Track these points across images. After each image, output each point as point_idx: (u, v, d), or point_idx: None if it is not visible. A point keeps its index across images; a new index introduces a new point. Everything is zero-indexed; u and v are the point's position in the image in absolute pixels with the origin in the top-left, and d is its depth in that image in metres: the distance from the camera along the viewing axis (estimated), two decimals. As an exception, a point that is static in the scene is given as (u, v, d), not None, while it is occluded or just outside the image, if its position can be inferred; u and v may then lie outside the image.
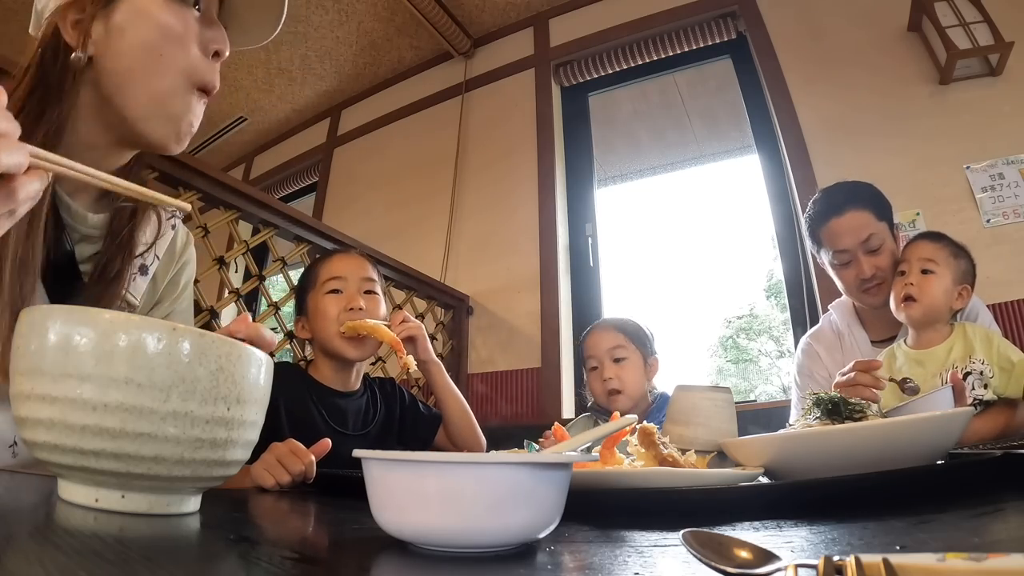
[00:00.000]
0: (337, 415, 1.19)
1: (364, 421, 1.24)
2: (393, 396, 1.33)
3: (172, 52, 0.67)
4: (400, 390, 1.36)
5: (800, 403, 1.44)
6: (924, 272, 1.20)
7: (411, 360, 1.17)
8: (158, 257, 0.80)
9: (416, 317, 2.48)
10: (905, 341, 1.26)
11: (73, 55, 0.66)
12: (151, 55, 0.66)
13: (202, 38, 0.69)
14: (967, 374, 1.13)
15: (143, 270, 0.77)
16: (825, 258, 1.40)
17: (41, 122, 0.64)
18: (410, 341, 1.24)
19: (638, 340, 1.52)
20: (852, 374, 1.03)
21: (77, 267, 0.71)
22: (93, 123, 0.69)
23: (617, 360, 1.49)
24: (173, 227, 0.84)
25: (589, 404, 1.67)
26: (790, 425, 1.37)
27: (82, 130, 0.69)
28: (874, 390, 1.00)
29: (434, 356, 1.28)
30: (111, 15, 0.66)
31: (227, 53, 0.72)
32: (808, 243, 1.47)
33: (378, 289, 1.25)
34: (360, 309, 1.18)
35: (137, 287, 0.77)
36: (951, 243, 1.25)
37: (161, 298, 0.84)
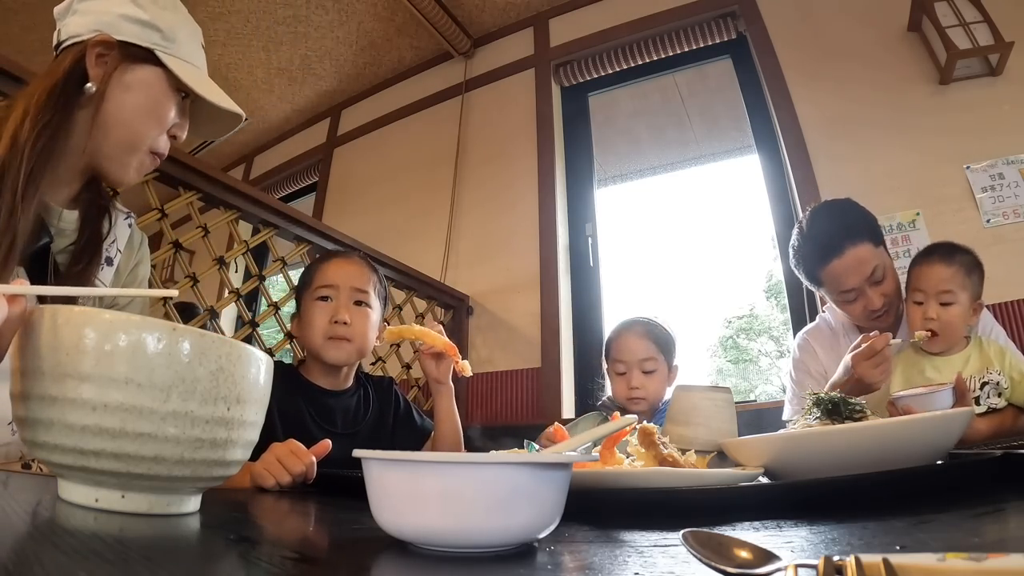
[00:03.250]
0: (325, 414, 1.19)
1: (354, 420, 1.24)
2: (388, 398, 1.32)
3: (151, 122, 0.85)
4: (396, 394, 1.34)
5: (795, 399, 1.43)
6: (944, 304, 1.17)
7: (467, 364, 1.14)
8: (120, 251, 0.92)
9: (416, 317, 2.48)
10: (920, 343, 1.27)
11: (88, 84, 0.80)
12: (139, 118, 0.84)
13: (172, 122, 0.88)
14: (984, 383, 1.15)
15: (109, 261, 0.89)
16: (827, 295, 1.36)
17: (48, 131, 0.75)
18: (438, 357, 1.21)
19: (665, 350, 1.53)
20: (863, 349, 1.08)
21: (54, 258, 0.81)
22: (75, 143, 0.81)
23: (646, 372, 1.49)
24: (129, 225, 0.96)
25: (599, 403, 1.67)
26: (786, 422, 1.38)
27: (66, 147, 0.80)
28: (884, 371, 1.07)
29: (450, 381, 1.26)
30: (127, 72, 0.82)
31: (183, 139, 0.91)
32: (802, 279, 1.41)
33: (371, 301, 1.23)
34: (344, 323, 1.16)
35: (105, 275, 0.88)
36: (963, 259, 1.20)
37: (124, 286, 0.95)
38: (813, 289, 1.44)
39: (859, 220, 1.31)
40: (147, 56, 0.83)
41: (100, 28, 0.81)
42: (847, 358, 1.14)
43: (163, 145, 0.88)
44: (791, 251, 1.40)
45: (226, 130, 0.96)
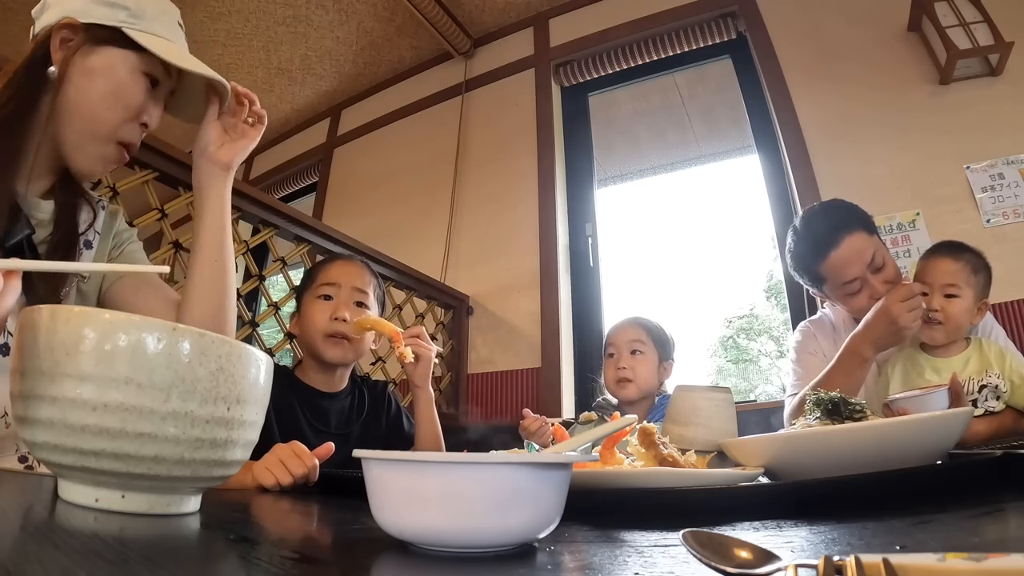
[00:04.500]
0: (319, 415, 1.20)
1: (347, 421, 1.25)
2: (382, 402, 1.33)
3: (116, 109, 0.80)
4: (390, 398, 1.36)
5: (796, 377, 1.41)
6: (948, 296, 1.19)
7: (408, 351, 1.16)
8: (98, 232, 0.91)
9: (416, 317, 2.48)
10: (921, 346, 1.27)
11: (50, 68, 0.77)
12: (101, 102, 0.79)
13: (142, 108, 0.83)
14: (983, 387, 1.15)
15: (87, 244, 0.88)
16: (830, 292, 1.35)
17: (4, 110, 0.74)
18: (415, 360, 1.22)
19: (658, 340, 1.59)
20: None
21: (36, 248, 0.80)
22: (46, 130, 0.79)
23: (634, 352, 1.56)
24: (103, 208, 0.94)
25: (593, 404, 1.69)
26: (790, 396, 1.38)
27: (37, 133, 0.78)
28: (917, 316, 1.10)
29: (429, 387, 1.27)
30: (90, 55, 0.78)
31: (154, 127, 0.86)
32: (803, 281, 1.41)
33: (370, 302, 1.25)
34: (344, 320, 1.18)
35: (85, 259, 0.87)
36: (971, 257, 1.22)
37: (111, 261, 0.94)
38: (814, 291, 1.42)
39: (850, 214, 1.32)
40: (112, 37, 0.79)
41: (69, 15, 0.78)
42: (880, 303, 1.15)
43: (133, 135, 0.83)
44: (788, 256, 1.40)
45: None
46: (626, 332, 1.60)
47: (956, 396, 1.03)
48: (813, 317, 1.53)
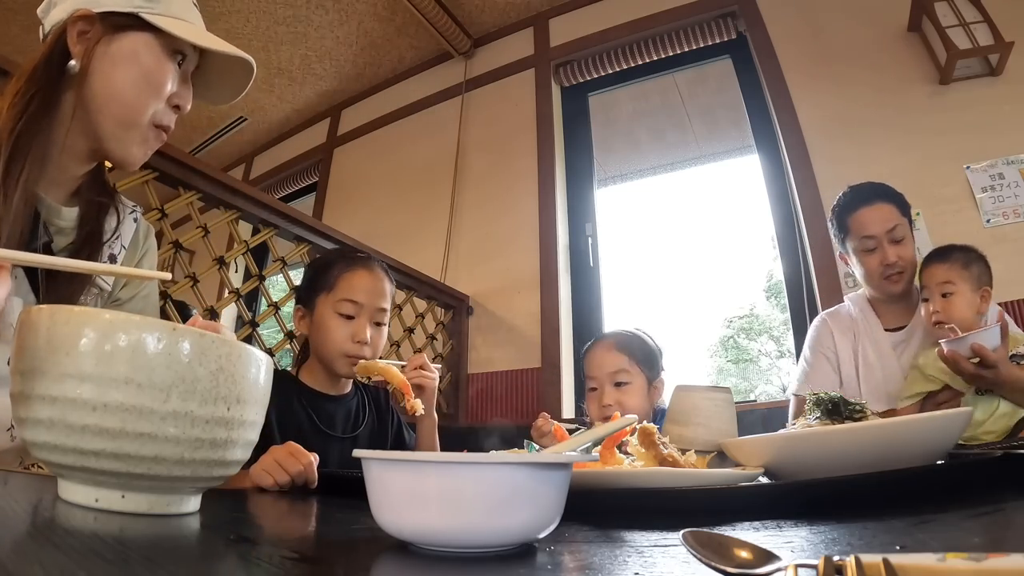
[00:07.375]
0: (325, 418, 1.19)
1: (354, 424, 1.25)
2: (386, 410, 1.33)
3: (147, 94, 0.78)
4: (392, 408, 1.36)
5: (804, 376, 1.51)
6: (944, 295, 1.30)
7: (418, 404, 1.12)
8: (124, 247, 0.88)
9: (416, 317, 2.48)
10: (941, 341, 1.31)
11: (70, 63, 0.75)
12: (131, 90, 0.77)
13: (172, 91, 0.81)
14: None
15: (112, 259, 0.85)
16: (850, 245, 1.48)
17: (25, 115, 0.71)
18: (419, 389, 1.19)
19: (644, 361, 1.39)
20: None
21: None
22: (71, 127, 0.77)
23: (619, 384, 1.36)
24: (135, 220, 0.92)
25: (588, 420, 1.66)
26: (794, 396, 1.47)
27: (59, 131, 0.76)
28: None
29: (433, 412, 1.25)
30: (112, 43, 0.76)
31: (188, 109, 0.84)
32: (832, 232, 1.57)
33: (387, 319, 1.24)
34: (364, 343, 1.16)
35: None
36: (960, 255, 1.32)
37: (127, 282, 0.91)
38: (839, 249, 1.55)
39: (895, 192, 1.48)
40: (132, 23, 0.76)
41: (81, 7, 0.76)
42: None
43: (167, 117, 0.81)
44: (832, 209, 1.55)
45: (240, 86, 0.89)
46: (605, 361, 1.38)
47: (1004, 333, 1.16)
48: (831, 309, 1.60)
